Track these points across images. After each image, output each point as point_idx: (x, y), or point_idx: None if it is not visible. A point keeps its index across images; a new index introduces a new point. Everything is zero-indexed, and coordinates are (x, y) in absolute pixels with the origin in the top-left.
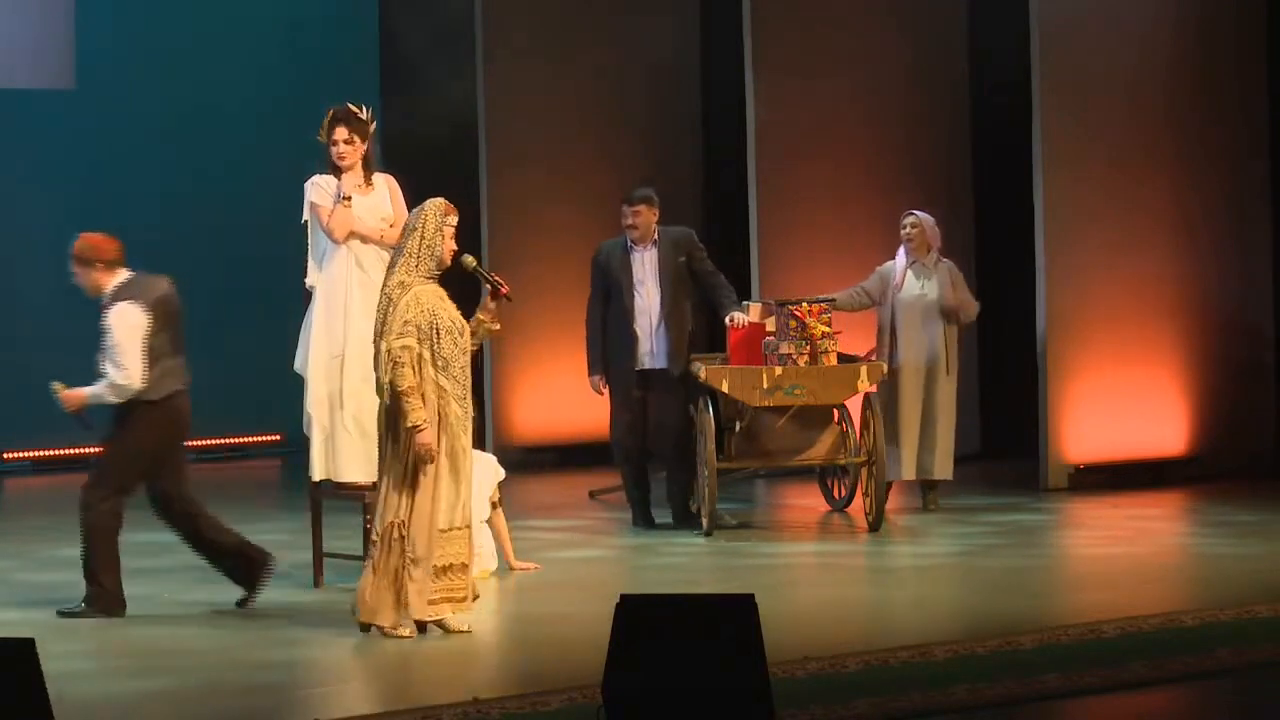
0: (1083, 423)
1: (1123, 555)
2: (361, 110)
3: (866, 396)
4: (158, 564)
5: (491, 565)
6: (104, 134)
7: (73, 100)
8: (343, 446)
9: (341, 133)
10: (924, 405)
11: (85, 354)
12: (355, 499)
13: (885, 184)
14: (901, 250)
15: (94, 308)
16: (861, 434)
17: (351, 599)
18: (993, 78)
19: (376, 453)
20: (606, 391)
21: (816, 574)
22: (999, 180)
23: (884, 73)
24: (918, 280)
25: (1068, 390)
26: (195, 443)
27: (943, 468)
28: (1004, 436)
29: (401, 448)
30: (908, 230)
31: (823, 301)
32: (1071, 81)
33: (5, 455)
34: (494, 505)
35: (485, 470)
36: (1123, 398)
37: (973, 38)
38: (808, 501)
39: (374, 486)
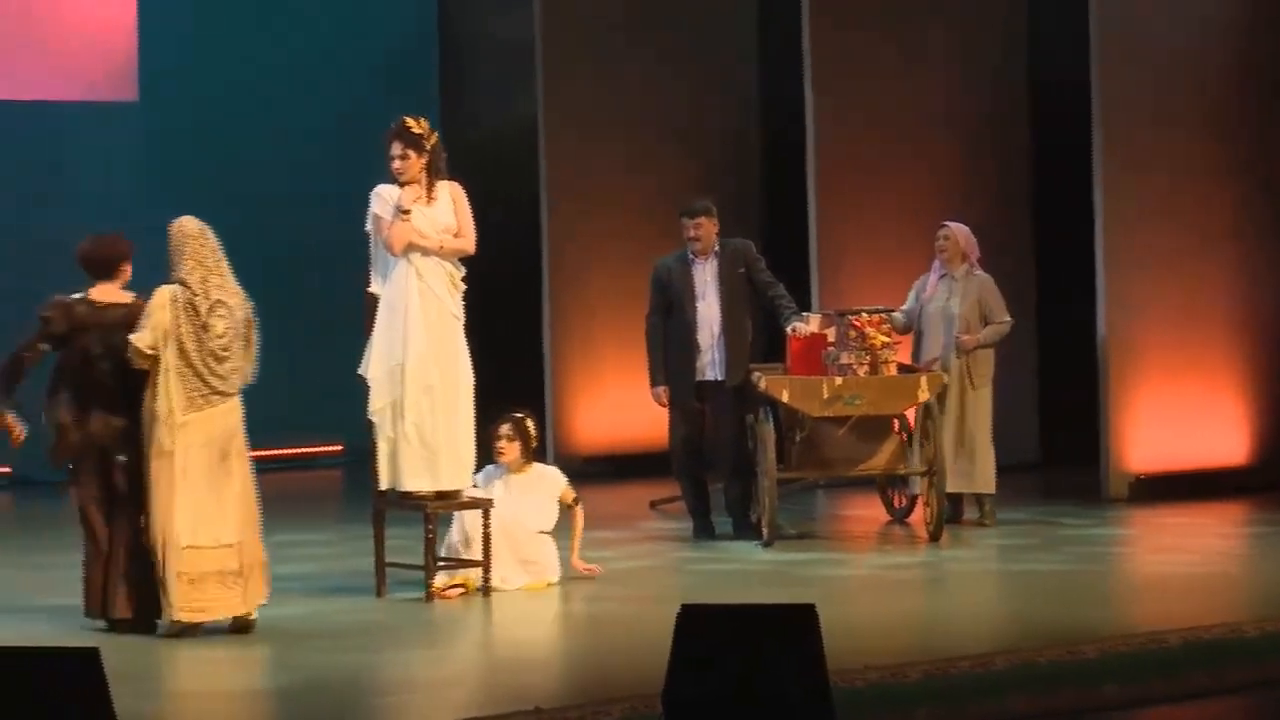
0: (1143, 432)
1: (1184, 565)
2: (418, 124)
3: (925, 406)
4: None
5: (553, 577)
6: (167, 146)
7: (136, 112)
8: (404, 455)
9: (397, 148)
10: (957, 417)
11: None
12: (417, 509)
13: (944, 192)
14: (935, 262)
15: None
16: (921, 444)
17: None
18: (1053, 81)
19: (438, 461)
20: (667, 402)
21: (877, 584)
22: (1058, 186)
23: (941, 77)
24: (946, 291)
25: (1128, 399)
26: (257, 453)
27: (984, 481)
28: (1064, 446)
29: None
30: (941, 242)
31: (882, 312)
32: (1133, 86)
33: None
34: (573, 504)
35: (547, 484)
36: (1184, 407)
37: (1032, 40)
38: (868, 512)
39: (437, 495)
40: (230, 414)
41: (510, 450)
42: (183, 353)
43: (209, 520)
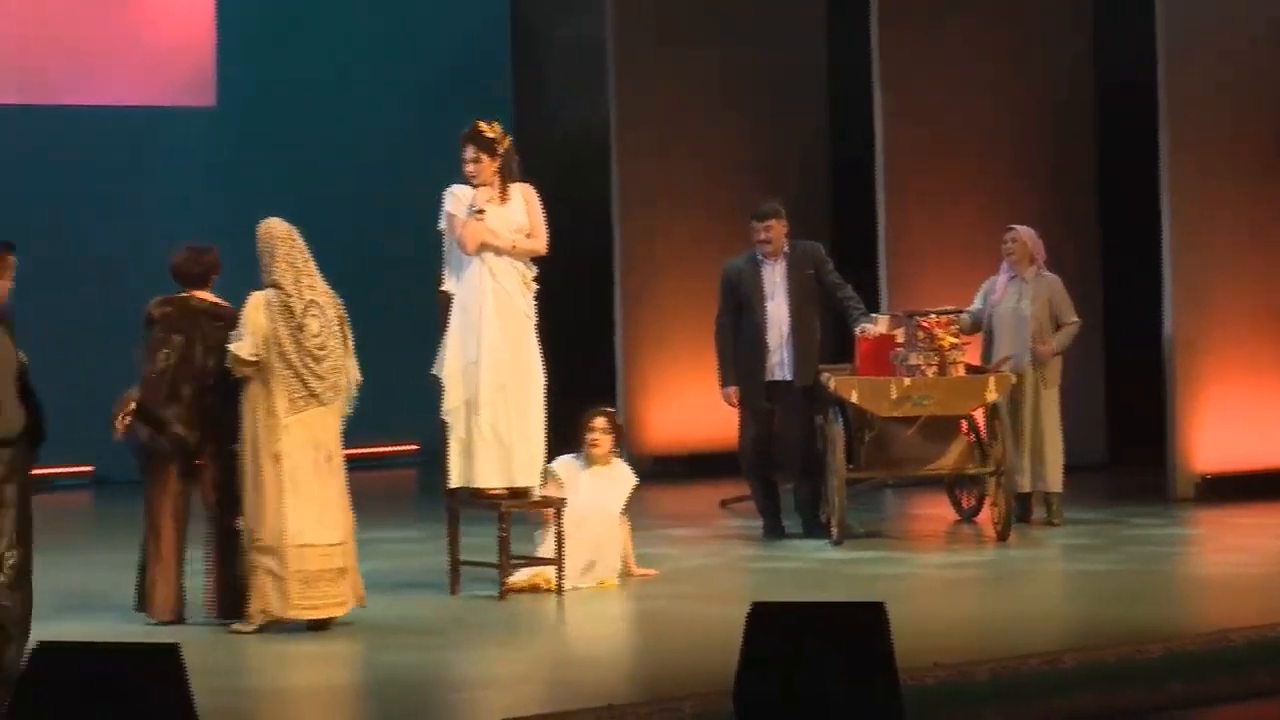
0: (1210, 432)
1: (1250, 565)
2: (491, 127)
3: (993, 406)
4: None
5: (616, 574)
6: (244, 150)
7: (213, 118)
8: (479, 453)
9: (469, 151)
10: (1026, 417)
11: None
12: (491, 506)
13: (1010, 193)
14: (1003, 264)
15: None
16: (989, 444)
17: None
18: (1119, 81)
19: (512, 459)
20: (737, 402)
21: (945, 583)
22: (1124, 187)
23: (1007, 77)
24: (1016, 293)
25: (1195, 399)
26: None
27: (1053, 480)
28: (1130, 446)
29: None
30: (1008, 245)
31: (950, 313)
32: (1200, 87)
33: None
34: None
35: (623, 478)
36: (1251, 407)
37: (1098, 41)
38: (936, 511)
39: (510, 493)
40: (330, 415)
41: (604, 443)
42: (282, 355)
43: (318, 520)
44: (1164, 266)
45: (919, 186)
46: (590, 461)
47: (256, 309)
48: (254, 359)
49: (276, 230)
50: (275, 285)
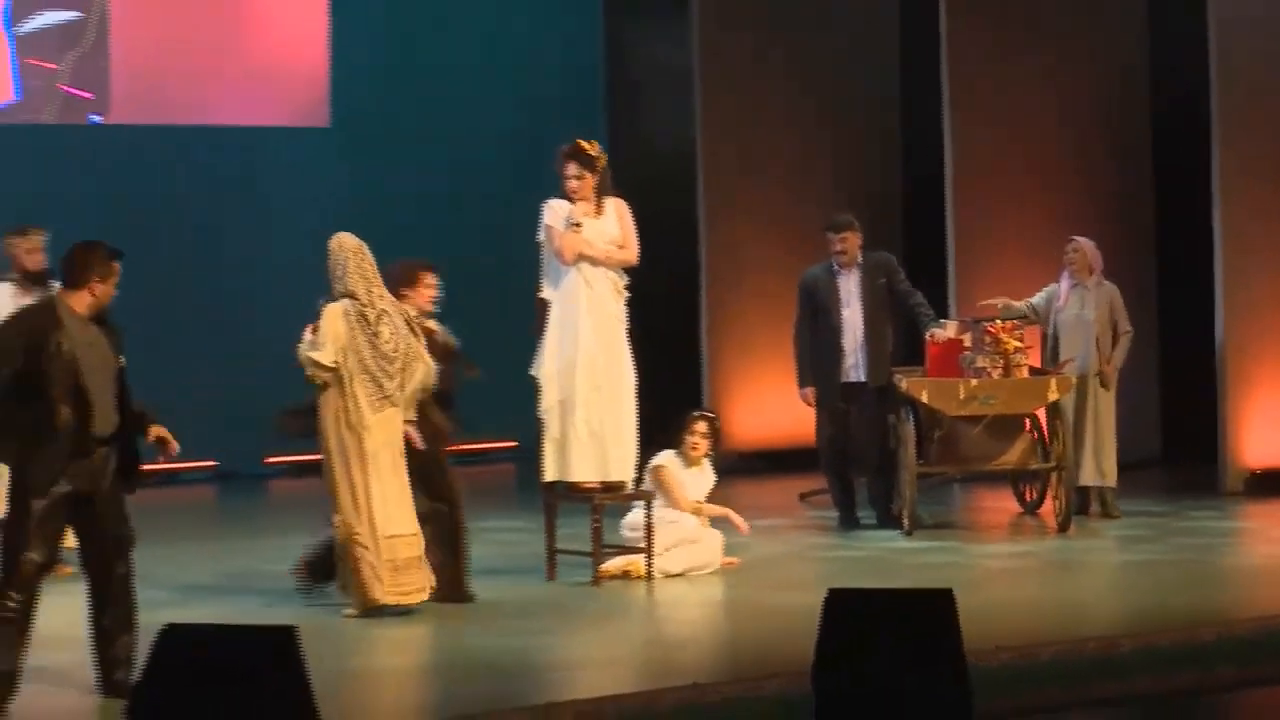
0: (1260, 430)
1: None
2: (591, 146)
3: (1054, 406)
4: None
5: (714, 564)
6: (355, 168)
7: (327, 137)
8: (573, 449)
9: (573, 168)
10: (1085, 416)
11: None
12: (585, 499)
13: (1068, 204)
14: (1065, 273)
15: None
16: (1050, 441)
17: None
18: (1171, 90)
19: (606, 455)
20: (814, 403)
21: (1009, 571)
22: (1177, 195)
23: (1068, 95)
24: (1079, 301)
25: (1246, 397)
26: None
27: (1109, 475)
28: (1183, 442)
29: None
30: (1070, 255)
31: (1015, 319)
32: (1245, 92)
33: (266, 460)
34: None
35: (708, 479)
36: None
37: (1155, 51)
38: (1000, 504)
39: (604, 487)
40: (398, 415)
41: (704, 446)
42: (360, 361)
43: (398, 512)
44: (1216, 272)
45: (985, 200)
46: (689, 462)
47: (335, 318)
48: (334, 366)
49: (348, 244)
50: (349, 295)
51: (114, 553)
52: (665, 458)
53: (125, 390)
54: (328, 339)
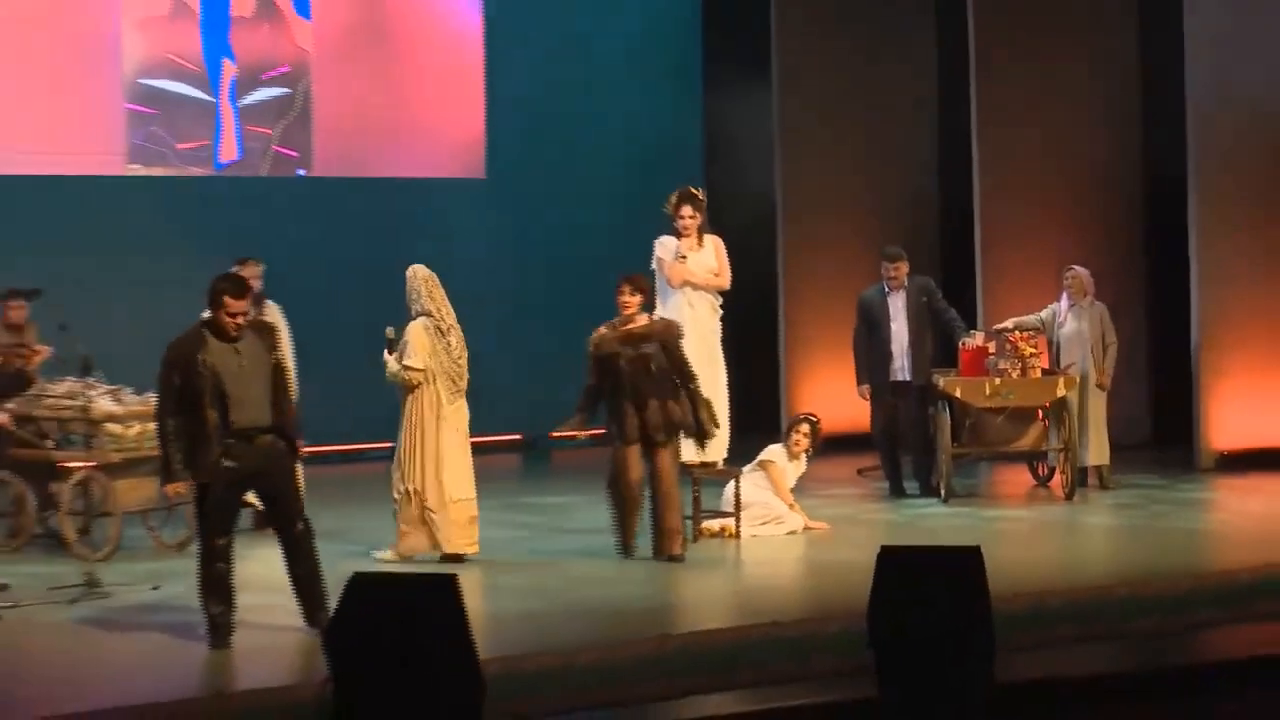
0: (1229, 417)
1: (1253, 520)
2: (699, 192)
3: (1062, 400)
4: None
5: (798, 524)
6: (505, 218)
7: (483, 189)
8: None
9: (687, 210)
10: (1087, 409)
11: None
12: (687, 473)
13: (1078, 233)
14: (1064, 295)
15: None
16: (1058, 428)
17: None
18: (1161, 111)
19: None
20: (869, 397)
21: (1026, 532)
22: (1168, 218)
23: (1085, 131)
24: (1076, 319)
25: (1216, 388)
26: (561, 434)
27: (1105, 454)
28: (1169, 428)
29: None
30: (1068, 281)
31: (1030, 330)
32: (1218, 140)
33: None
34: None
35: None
36: (1264, 396)
37: (1144, 73)
38: (1018, 478)
39: (701, 465)
40: (465, 406)
41: (804, 443)
42: (440, 364)
43: (465, 480)
44: (1191, 284)
45: (1006, 236)
46: (791, 456)
47: (420, 333)
48: (423, 369)
49: (421, 273)
50: (426, 313)
51: (292, 515)
52: (774, 452)
53: (279, 384)
54: (417, 349)
